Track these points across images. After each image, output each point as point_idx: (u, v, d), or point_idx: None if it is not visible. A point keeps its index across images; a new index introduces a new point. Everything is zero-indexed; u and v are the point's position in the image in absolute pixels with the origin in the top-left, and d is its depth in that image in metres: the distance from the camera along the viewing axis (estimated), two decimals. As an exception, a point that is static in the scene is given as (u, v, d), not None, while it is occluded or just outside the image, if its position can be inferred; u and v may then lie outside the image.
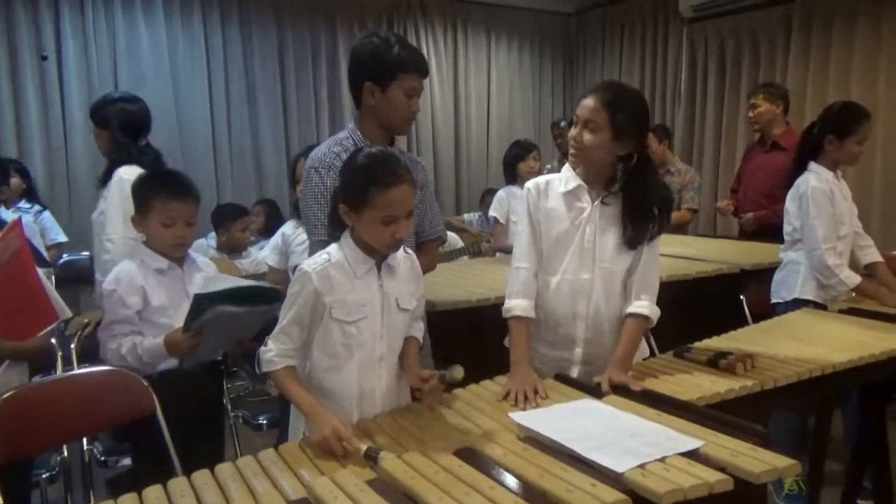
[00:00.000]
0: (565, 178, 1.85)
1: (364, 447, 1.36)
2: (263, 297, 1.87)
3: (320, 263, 1.55)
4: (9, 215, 3.31)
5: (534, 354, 1.87)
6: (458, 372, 1.55)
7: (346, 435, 1.38)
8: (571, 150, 1.80)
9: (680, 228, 4.40)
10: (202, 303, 1.78)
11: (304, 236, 2.43)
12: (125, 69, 4.88)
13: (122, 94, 3.00)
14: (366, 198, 1.50)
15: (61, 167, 4.66)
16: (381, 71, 1.92)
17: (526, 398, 1.61)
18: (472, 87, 6.55)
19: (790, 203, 2.66)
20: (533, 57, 6.89)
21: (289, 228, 2.90)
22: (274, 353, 1.53)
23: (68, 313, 2.02)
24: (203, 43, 5.19)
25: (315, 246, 1.89)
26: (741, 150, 5.45)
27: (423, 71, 1.97)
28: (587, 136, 1.74)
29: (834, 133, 2.56)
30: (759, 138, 3.98)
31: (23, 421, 1.70)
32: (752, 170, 3.94)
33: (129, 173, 2.61)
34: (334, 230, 1.62)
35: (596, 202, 1.80)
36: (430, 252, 2.16)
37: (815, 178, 2.57)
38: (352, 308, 1.55)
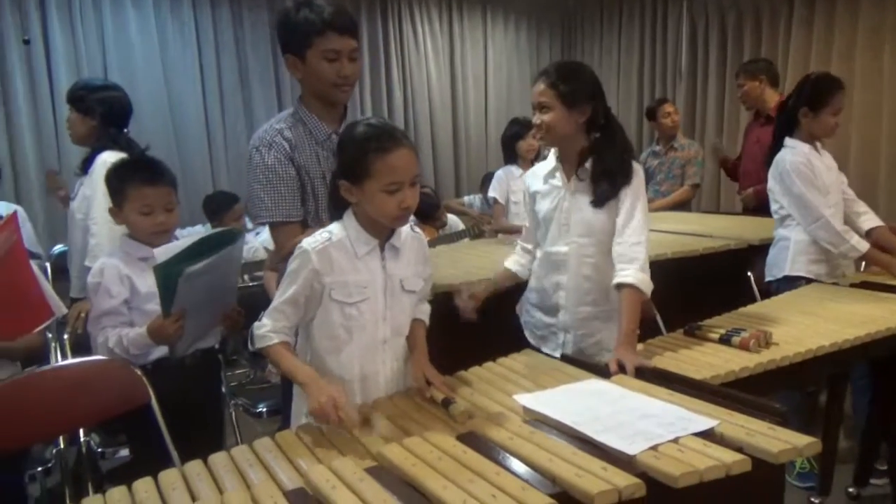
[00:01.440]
0: (548, 161, 1.98)
1: (358, 418, 1.33)
2: (223, 240, 1.81)
3: (321, 242, 1.48)
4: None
5: (531, 319, 2.04)
6: (459, 407, 1.39)
7: (343, 403, 1.33)
8: (537, 133, 1.92)
9: (684, 205, 4.34)
10: (166, 274, 1.70)
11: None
12: (114, 55, 4.79)
13: (104, 81, 2.96)
14: (366, 167, 1.43)
15: (52, 155, 4.59)
16: (294, 40, 1.78)
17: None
18: (468, 67, 6.46)
19: (772, 182, 2.63)
20: (530, 35, 6.79)
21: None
22: (268, 328, 1.47)
23: (64, 309, 1.98)
24: (193, 28, 5.10)
25: (271, 231, 1.87)
26: (744, 125, 5.38)
27: (342, 28, 1.76)
28: (543, 118, 1.83)
29: (808, 105, 2.53)
30: (755, 114, 3.94)
31: (12, 413, 1.65)
32: (751, 145, 3.89)
33: (113, 157, 2.55)
34: (336, 209, 1.55)
35: (572, 178, 1.87)
36: None
37: (791, 153, 2.55)
38: (352, 289, 1.50)
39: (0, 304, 1.73)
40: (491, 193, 3.81)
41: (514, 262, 2.07)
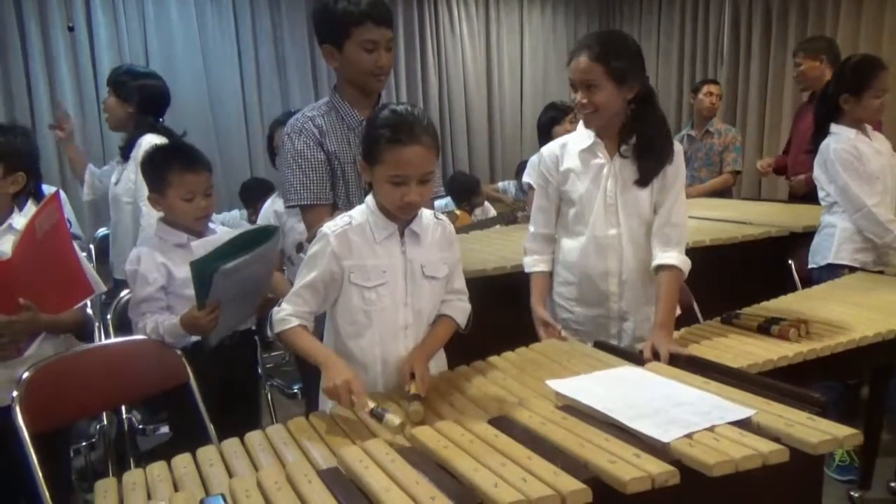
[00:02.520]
0: (580, 136, 1.85)
1: (371, 405, 1.31)
2: (259, 237, 1.83)
3: (341, 226, 1.49)
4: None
5: (571, 315, 1.90)
6: (392, 421, 1.27)
7: (357, 388, 1.34)
8: (581, 113, 1.77)
9: (724, 192, 4.24)
10: (201, 269, 1.73)
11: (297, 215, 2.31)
12: (155, 41, 4.88)
13: (146, 69, 3.00)
14: (378, 153, 1.43)
15: (96, 140, 4.70)
16: (333, 30, 1.79)
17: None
18: (504, 51, 6.40)
19: (818, 170, 2.58)
20: (567, 19, 6.70)
21: (281, 206, 2.56)
22: (287, 312, 1.48)
23: (103, 287, 2.03)
24: (232, 14, 5.16)
25: (302, 213, 1.89)
26: (788, 110, 5.24)
27: (379, 19, 1.78)
28: (593, 97, 1.72)
29: (849, 91, 2.46)
30: (809, 97, 3.80)
31: (57, 389, 1.71)
32: (803, 130, 3.75)
33: (157, 140, 2.61)
34: (361, 190, 1.57)
35: (615, 156, 1.79)
36: None
37: (836, 140, 2.48)
38: (371, 273, 1.50)
39: (43, 280, 1.77)
40: (525, 179, 3.78)
41: (544, 261, 1.93)
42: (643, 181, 1.77)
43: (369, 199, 1.53)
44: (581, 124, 1.86)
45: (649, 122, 1.76)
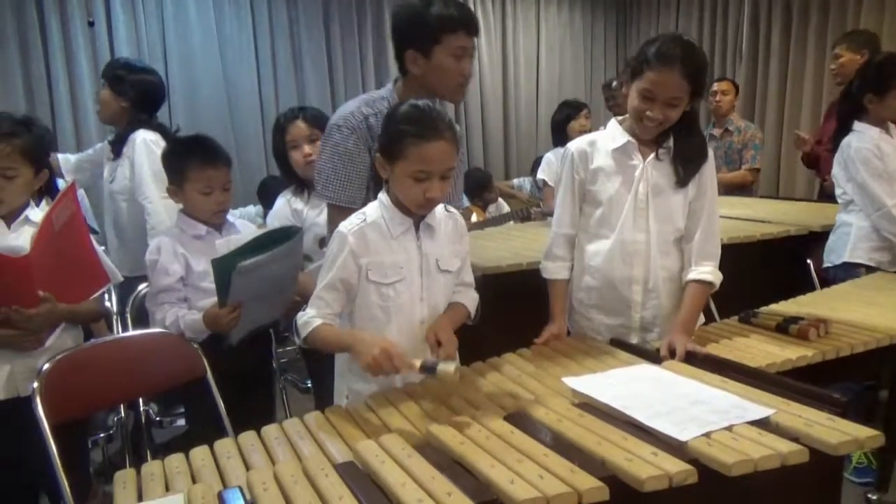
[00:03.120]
0: (612, 135, 1.77)
1: (418, 362, 1.31)
2: (282, 237, 1.83)
3: (356, 224, 1.49)
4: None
5: (590, 323, 1.84)
6: (446, 370, 1.30)
7: (395, 352, 1.33)
8: (649, 124, 1.67)
9: (742, 189, 4.19)
10: (222, 268, 1.74)
11: (320, 206, 2.23)
12: (173, 37, 4.90)
13: (143, 63, 2.95)
14: (400, 149, 1.41)
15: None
16: (422, 35, 1.74)
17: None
18: (520, 48, 6.37)
19: (836, 168, 2.56)
20: (584, 15, 6.66)
21: (298, 203, 2.39)
22: (310, 315, 1.48)
23: (119, 277, 2.04)
24: (249, 10, 5.17)
25: (329, 209, 1.86)
26: (807, 108, 5.18)
27: (471, 28, 1.77)
28: (671, 113, 1.65)
29: (872, 91, 2.45)
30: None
31: (77, 381, 1.72)
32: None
33: (150, 136, 2.59)
34: (378, 183, 1.54)
35: (649, 158, 1.73)
36: None
37: (857, 139, 2.47)
38: (388, 269, 1.49)
39: (61, 272, 1.79)
40: (540, 175, 3.78)
41: (567, 268, 1.84)
42: (683, 181, 1.71)
43: (382, 195, 1.53)
44: (613, 123, 1.80)
45: (688, 130, 1.72)
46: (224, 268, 1.74)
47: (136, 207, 2.63)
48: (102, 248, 2.18)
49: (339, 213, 1.85)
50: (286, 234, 1.88)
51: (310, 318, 1.47)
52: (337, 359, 1.64)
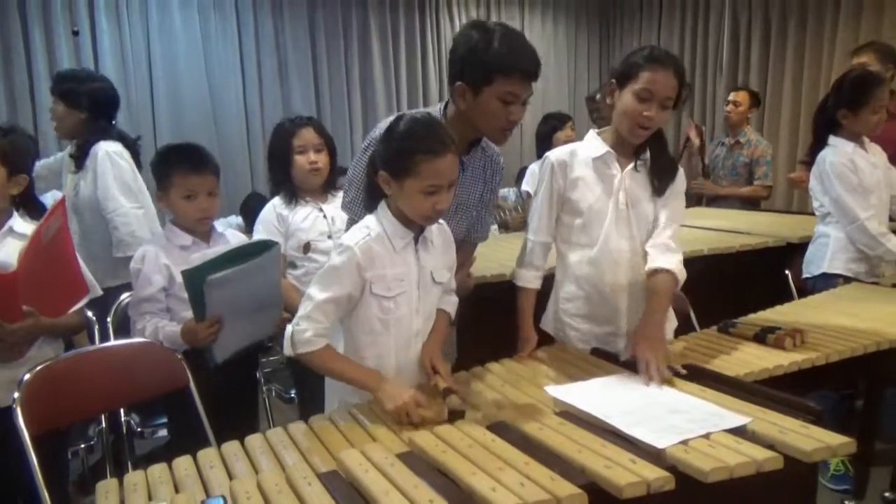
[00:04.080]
0: (591, 146, 1.80)
1: (444, 411, 1.35)
2: (254, 251, 1.83)
3: (362, 237, 1.47)
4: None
5: (578, 333, 1.84)
6: (454, 401, 1.38)
7: (423, 400, 1.37)
8: (639, 130, 1.69)
9: (752, 204, 4.16)
10: (194, 280, 1.72)
11: (305, 212, 2.28)
12: (158, 47, 4.89)
13: (89, 72, 2.92)
14: (409, 166, 1.41)
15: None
16: (474, 71, 1.63)
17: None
18: (505, 60, 6.42)
19: (813, 181, 2.61)
20: (568, 28, 6.73)
21: (283, 209, 2.35)
22: (311, 332, 1.44)
23: (99, 291, 2.03)
24: (235, 20, 5.17)
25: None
26: (786, 120, 5.27)
27: (529, 73, 1.64)
28: (662, 114, 1.68)
29: (846, 107, 2.50)
30: None
31: (58, 391, 1.72)
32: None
33: (112, 147, 2.57)
34: (371, 199, 1.54)
35: (627, 168, 1.76)
36: (471, 249, 2.03)
37: (832, 153, 2.52)
38: (391, 283, 1.49)
39: (44, 285, 1.79)
40: (525, 187, 3.82)
41: (535, 277, 1.85)
42: (659, 191, 1.75)
43: (382, 208, 1.52)
44: (591, 134, 1.82)
45: (660, 143, 1.77)
46: (195, 280, 1.73)
47: (102, 219, 2.60)
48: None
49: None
50: (259, 249, 1.87)
51: (311, 338, 1.44)
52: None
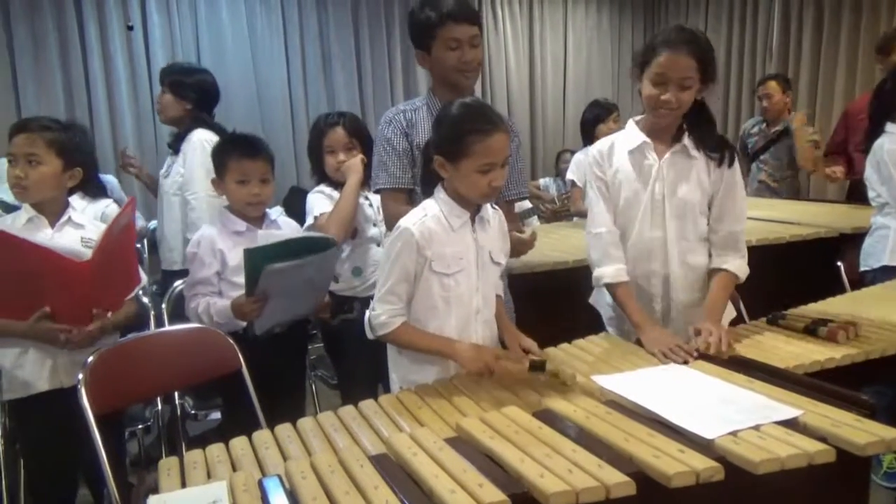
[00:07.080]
0: (628, 136, 1.82)
1: (526, 362, 1.49)
2: (316, 246, 1.90)
3: (419, 218, 1.55)
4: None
5: (615, 314, 1.89)
6: (561, 368, 1.51)
7: (502, 354, 1.53)
8: (662, 111, 1.71)
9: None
10: (254, 261, 1.81)
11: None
12: (206, 40, 5.01)
13: (196, 65, 3.08)
14: (463, 147, 1.48)
15: (149, 134, 4.85)
16: (419, 35, 1.90)
17: (681, 350, 1.59)
18: (548, 49, 6.38)
19: (869, 169, 2.52)
20: (612, 15, 6.63)
21: (332, 192, 2.34)
22: (386, 315, 1.55)
23: (145, 278, 2.14)
24: (280, 14, 5.25)
25: (382, 198, 1.99)
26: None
27: (460, 17, 1.84)
28: (683, 95, 1.68)
29: None
30: None
31: (118, 373, 1.79)
32: None
33: (207, 135, 2.70)
34: (427, 184, 1.62)
35: (665, 156, 1.77)
36: (511, 209, 2.12)
37: (890, 140, 2.43)
38: (450, 261, 1.56)
39: (109, 279, 1.88)
40: (569, 176, 3.79)
41: (619, 270, 1.78)
42: (719, 161, 1.75)
43: (439, 190, 1.59)
44: (630, 123, 1.84)
45: (704, 125, 1.76)
46: (255, 260, 1.81)
47: (185, 203, 2.74)
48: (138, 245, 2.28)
49: (389, 195, 1.96)
50: (321, 245, 1.93)
51: (386, 320, 1.55)
52: (390, 352, 1.69)
